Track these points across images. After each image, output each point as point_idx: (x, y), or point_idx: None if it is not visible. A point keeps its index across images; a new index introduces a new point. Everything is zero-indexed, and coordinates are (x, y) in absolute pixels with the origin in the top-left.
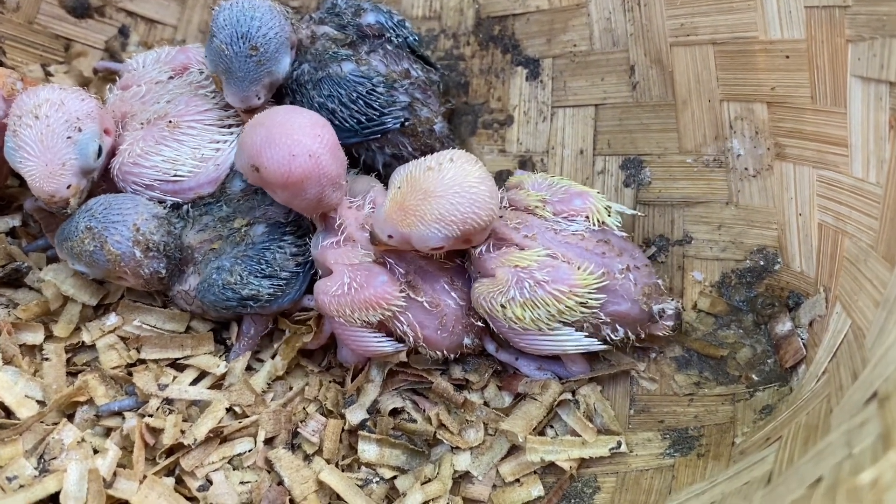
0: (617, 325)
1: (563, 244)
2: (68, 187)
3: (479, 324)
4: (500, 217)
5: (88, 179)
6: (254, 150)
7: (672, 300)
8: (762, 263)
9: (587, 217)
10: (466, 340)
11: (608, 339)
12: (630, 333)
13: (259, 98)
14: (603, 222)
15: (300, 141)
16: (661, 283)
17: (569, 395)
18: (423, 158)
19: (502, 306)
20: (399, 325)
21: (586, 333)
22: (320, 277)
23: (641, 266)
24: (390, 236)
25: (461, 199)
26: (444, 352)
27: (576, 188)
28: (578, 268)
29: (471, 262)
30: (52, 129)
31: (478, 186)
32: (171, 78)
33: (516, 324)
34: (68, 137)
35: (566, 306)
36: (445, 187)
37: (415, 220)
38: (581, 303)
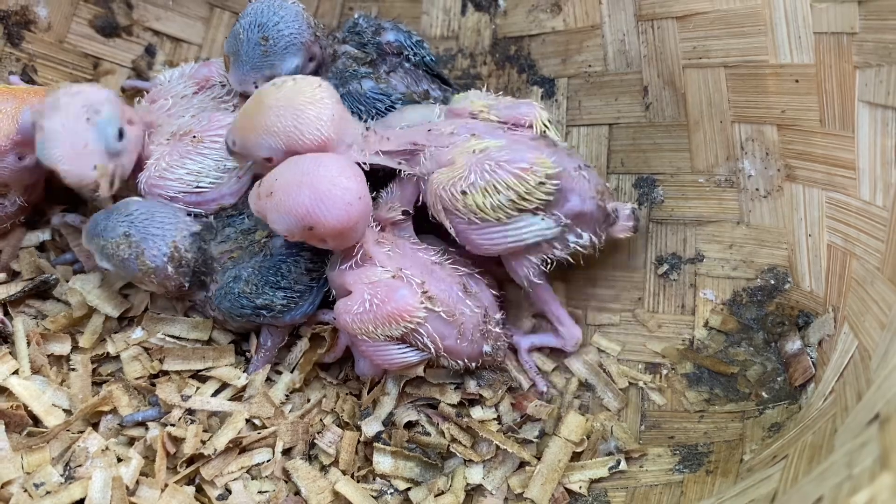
0: (579, 229)
1: (515, 141)
2: (94, 168)
3: (497, 330)
4: (430, 130)
5: (116, 164)
6: (303, 211)
7: (626, 202)
8: (773, 282)
9: (531, 125)
10: (486, 348)
11: (576, 246)
12: (593, 238)
13: (256, 87)
14: (545, 133)
15: (348, 187)
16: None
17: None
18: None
19: (463, 193)
20: (420, 338)
21: (542, 217)
22: (334, 296)
23: (592, 168)
24: (234, 142)
25: (286, 114)
26: (466, 360)
27: (522, 100)
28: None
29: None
30: (72, 114)
31: (305, 106)
32: (195, 93)
33: (476, 214)
34: (87, 119)
35: (525, 190)
36: (276, 101)
37: (248, 127)
38: (540, 183)
